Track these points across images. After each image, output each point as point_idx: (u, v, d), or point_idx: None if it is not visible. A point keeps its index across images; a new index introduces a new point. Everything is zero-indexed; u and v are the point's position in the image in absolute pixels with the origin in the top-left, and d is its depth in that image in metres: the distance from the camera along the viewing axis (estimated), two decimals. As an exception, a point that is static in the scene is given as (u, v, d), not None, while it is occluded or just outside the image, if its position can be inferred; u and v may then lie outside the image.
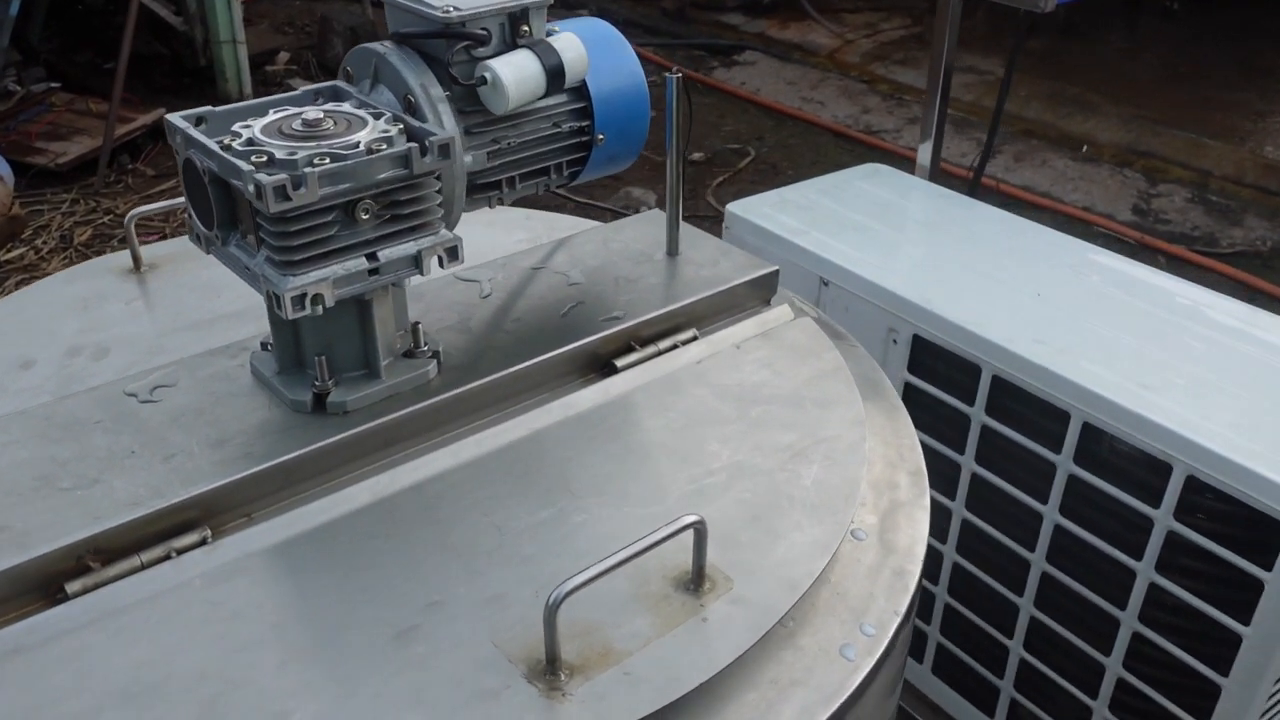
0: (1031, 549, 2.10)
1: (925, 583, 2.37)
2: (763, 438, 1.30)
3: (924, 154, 2.72)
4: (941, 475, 2.24)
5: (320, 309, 1.18)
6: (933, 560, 2.33)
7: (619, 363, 1.41)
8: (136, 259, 1.65)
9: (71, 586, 1.06)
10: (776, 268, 1.57)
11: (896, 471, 1.33)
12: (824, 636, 1.10)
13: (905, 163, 3.53)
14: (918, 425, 2.25)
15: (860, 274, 2.27)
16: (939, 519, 2.28)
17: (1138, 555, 1.92)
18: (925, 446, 2.24)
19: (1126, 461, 1.90)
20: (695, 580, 1.09)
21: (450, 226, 1.31)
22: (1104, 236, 4.98)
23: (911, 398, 2.25)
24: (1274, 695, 1.87)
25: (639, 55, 1.46)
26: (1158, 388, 1.90)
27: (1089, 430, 1.93)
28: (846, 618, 1.12)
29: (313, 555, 1.13)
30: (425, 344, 1.32)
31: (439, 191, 1.23)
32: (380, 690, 0.98)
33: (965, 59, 6.87)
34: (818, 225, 2.45)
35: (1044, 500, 2.05)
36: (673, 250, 1.59)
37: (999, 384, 2.06)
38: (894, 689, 1.20)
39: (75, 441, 1.20)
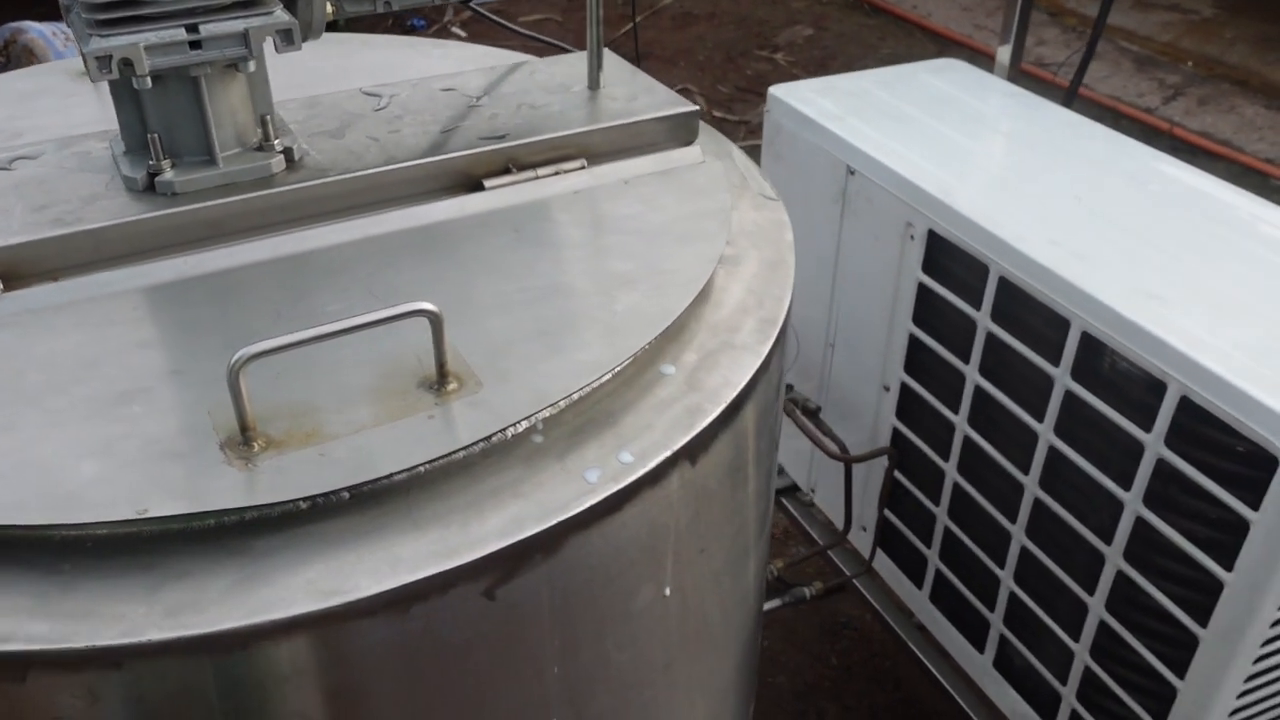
0: (1026, 471, 1.92)
1: (928, 503, 2.21)
2: (599, 264, 1.21)
3: (1003, 55, 2.49)
4: (948, 387, 2.08)
5: (146, 81, 1.17)
6: (934, 479, 2.17)
7: (488, 183, 1.34)
8: (90, 62, 1.68)
9: None
10: (696, 108, 1.46)
11: (746, 318, 1.21)
12: (573, 458, 1.01)
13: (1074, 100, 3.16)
14: (928, 331, 2.10)
15: (884, 162, 2.11)
16: (944, 433, 2.11)
17: (1128, 485, 1.72)
18: (934, 355, 2.08)
19: (1125, 380, 1.70)
20: (438, 378, 1.02)
21: (311, 20, 1.26)
22: (1281, 191, 4.50)
23: (925, 301, 2.09)
24: (1262, 658, 1.65)
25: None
26: (1173, 301, 1.68)
27: (1089, 342, 1.73)
28: (610, 444, 1.03)
29: (90, 319, 1.12)
30: (276, 138, 1.29)
31: (273, -31, 1.18)
32: (72, 439, 0.96)
33: (1171, -4, 6.30)
34: (858, 113, 2.29)
35: (1041, 418, 1.86)
36: (593, 84, 1.50)
37: (1005, 286, 1.88)
38: (666, 545, 1.10)
39: (-84, 195, 1.24)
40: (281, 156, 1.28)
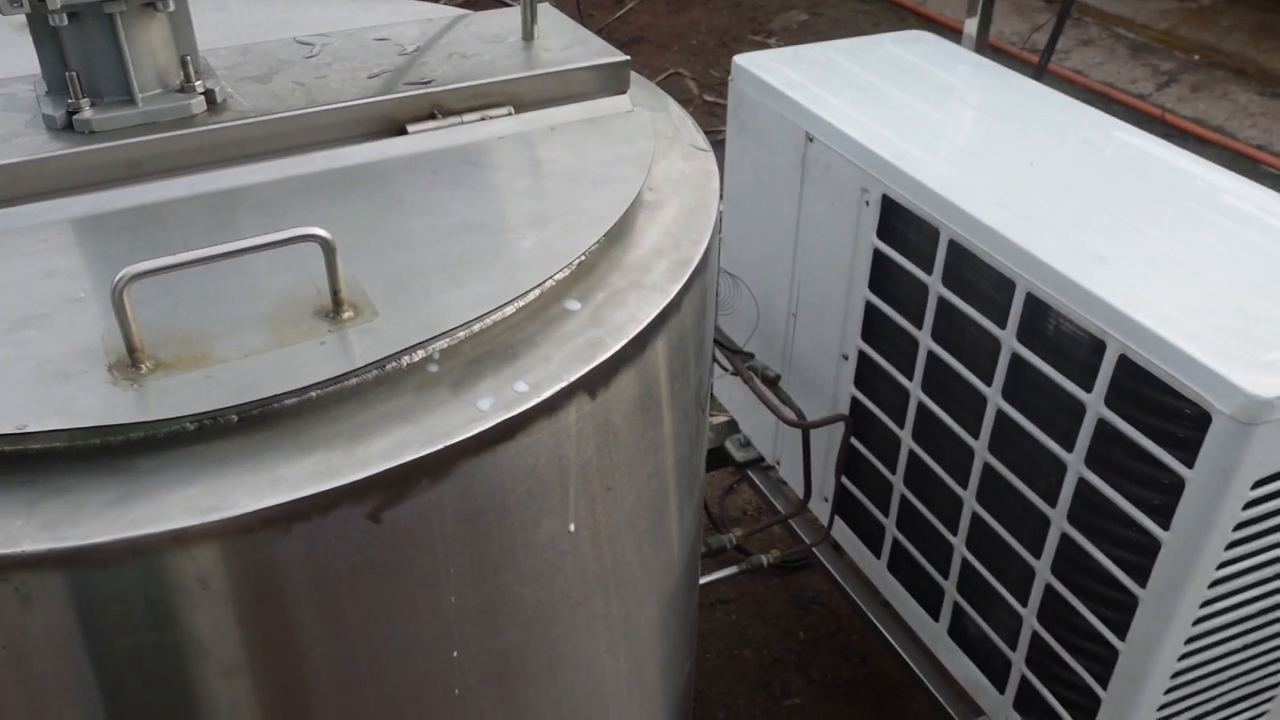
0: (976, 435, 1.92)
1: (885, 471, 2.21)
2: (512, 204, 1.21)
3: (970, 27, 2.49)
4: (903, 354, 2.07)
5: (61, 17, 1.17)
6: (891, 447, 2.16)
7: (412, 128, 1.34)
8: (35, 15, 1.69)
9: None
10: (626, 58, 1.46)
11: (660, 259, 1.21)
12: (467, 387, 1.02)
13: (1067, 85, 3.15)
14: (884, 298, 2.09)
15: (840, 128, 2.10)
16: (900, 401, 2.11)
17: (1071, 447, 1.71)
18: (890, 322, 2.08)
19: (1068, 341, 1.70)
20: (333, 306, 1.02)
21: (234, -38, 1.26)
22: (1273, 177, 4.47)
23: (880, 267, 2.08)
24: (1202, 620, 1.64)
25: None
26: (1116, 263, 1.68)
27: (1033, 303, 1.73)
28: (506, 374, 1.03)
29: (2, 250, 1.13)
30: (197, 80, 1.29)
31: (187, -94, 1.19)
32: (-37, 358, 0.97)
33: (1171, -15, 6.27)
34: (821, 82, 2.29)
35: (990, 382, 1.86)
36: (528, 35, 1.50)
37: (955, 250, 1.87)
38: (567, 479, 1.10)
39: None
40: (202, 98, 1.29)
